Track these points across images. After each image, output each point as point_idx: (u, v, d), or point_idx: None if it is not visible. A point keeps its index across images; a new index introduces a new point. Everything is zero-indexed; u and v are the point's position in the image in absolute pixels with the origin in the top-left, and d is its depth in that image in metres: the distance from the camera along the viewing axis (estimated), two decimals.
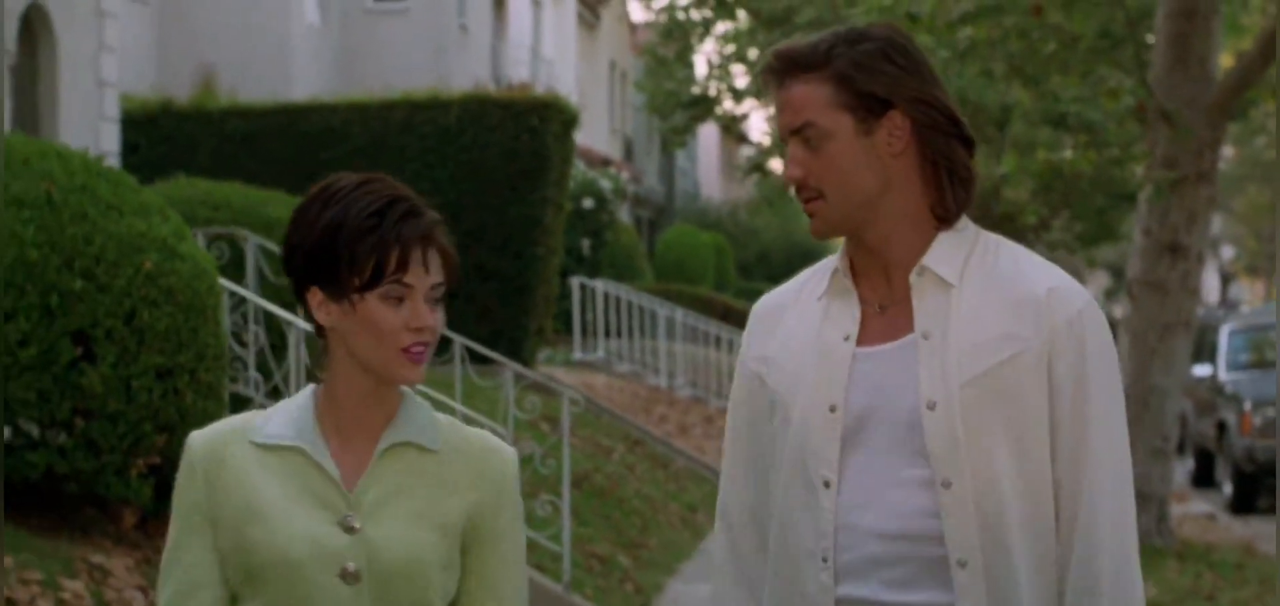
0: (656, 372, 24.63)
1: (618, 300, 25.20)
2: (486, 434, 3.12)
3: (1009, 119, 27.02)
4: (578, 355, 24.40)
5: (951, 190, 3.19)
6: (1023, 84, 18.36)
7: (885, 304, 3.22)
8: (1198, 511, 19.62)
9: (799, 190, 3.20)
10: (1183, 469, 23.34)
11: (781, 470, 3.28)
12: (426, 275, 2.96)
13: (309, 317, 3.02)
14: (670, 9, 33.45)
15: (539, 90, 36.39)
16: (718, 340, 25.24)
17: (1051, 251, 37.33)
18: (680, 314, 25.57)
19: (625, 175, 40.14)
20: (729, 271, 41.20)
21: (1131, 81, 15.92)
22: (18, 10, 17.54)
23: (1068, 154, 18.24)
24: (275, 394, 10.72)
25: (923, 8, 14.66)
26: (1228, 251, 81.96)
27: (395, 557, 2.96)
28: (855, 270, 3.26)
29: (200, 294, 8.44)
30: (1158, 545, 14.54)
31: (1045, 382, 3.14)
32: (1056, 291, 3.18)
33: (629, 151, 52.36)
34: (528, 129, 20.32)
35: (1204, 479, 22.74)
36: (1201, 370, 22.77)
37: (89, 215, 8.17)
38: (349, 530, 2.95)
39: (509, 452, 3.12)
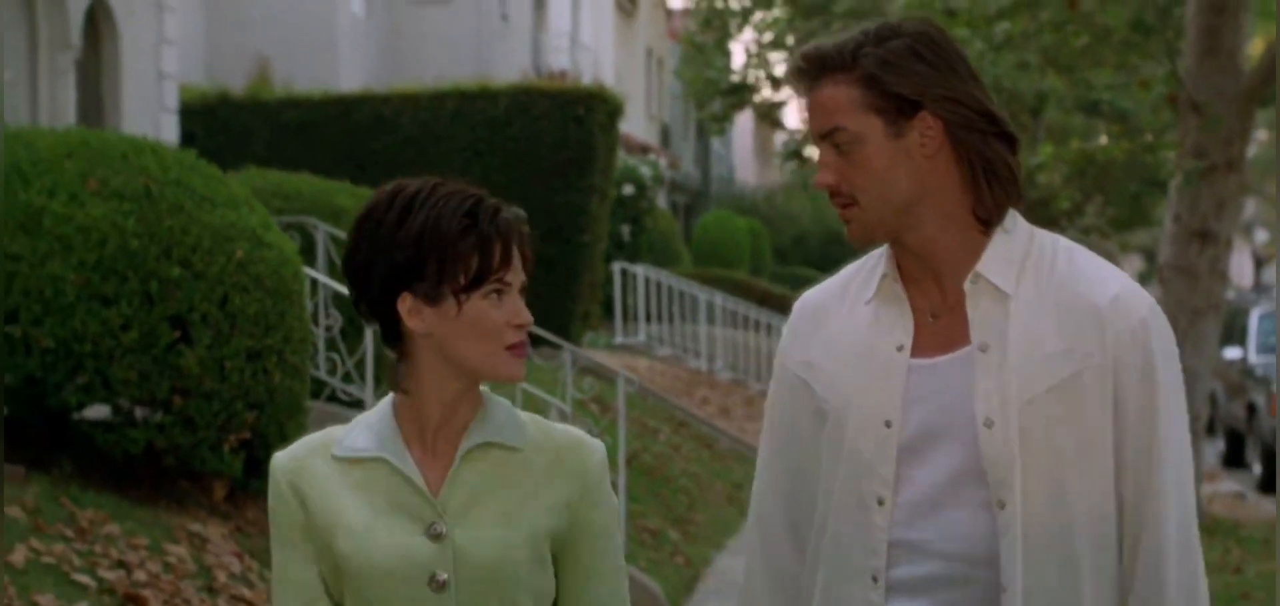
0: (697, 356, 25.13)
1: (658, 285, 25.71)
2: (573, 429, 3.08)
3: (1044, 107, 27.48)
4: (619, 339, 24.91)
5: (991, 191, 3.06)
6: (1057, 73, 18.85)
7: (938, 312, 3.11)
8: (1227, 490, 20.07)
9: (832, 196, 3.10)
10: (1214, 449, 23.81)
11: (833, 483, 3.16)
12: (520, 272, 2.94)
13: (387, 330, 2.95)
14: (709, 1, 33.98)
15: (579, 78, 37.01)
16: (757, 324, 25.73)
17: (1084, 236, 37.75)
18: (719, 298, 26.04)
19: (663, 161, 40.67)
20: (765, 256, 41.64)
21: (1163, 72, 16.41)
22: (83, 5, 18.12)
23: (1102, 140, 18.69)
24: (348, 378, 11.30)
25: (960, 2, 15.18)
26: (1262, 235, 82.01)
27: (483, 561, 2.93)
28: (903, 275, 3.14)
29: (286, 280, 9.02)
30: None
31: (1109, 397, 3.01)
32: (1120, 300, 3.05)
33: (666, 137, 52.83)
34: (574, 118, 20.87)
35: (1235, 459, 23.17)
36: (1232, 353, 23.23)
37: (185, 207, 8.74)
38: (436, 537, 2.93)
39: (596, 446, 3.06)
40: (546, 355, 13.78)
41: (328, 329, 11.09)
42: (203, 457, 8.76)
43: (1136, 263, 71.25)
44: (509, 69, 33.84)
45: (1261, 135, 59.84)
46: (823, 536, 3.17)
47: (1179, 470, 3.03)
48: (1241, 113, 15.20)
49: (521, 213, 2.98)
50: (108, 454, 8.73)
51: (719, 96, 35.64)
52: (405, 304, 2.90)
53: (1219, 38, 15.02)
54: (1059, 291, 3.05)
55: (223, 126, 21.42)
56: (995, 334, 3.02)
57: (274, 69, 28.30)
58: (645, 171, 32.33)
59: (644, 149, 40.10)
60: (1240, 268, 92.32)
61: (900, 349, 3.10)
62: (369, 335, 10.91)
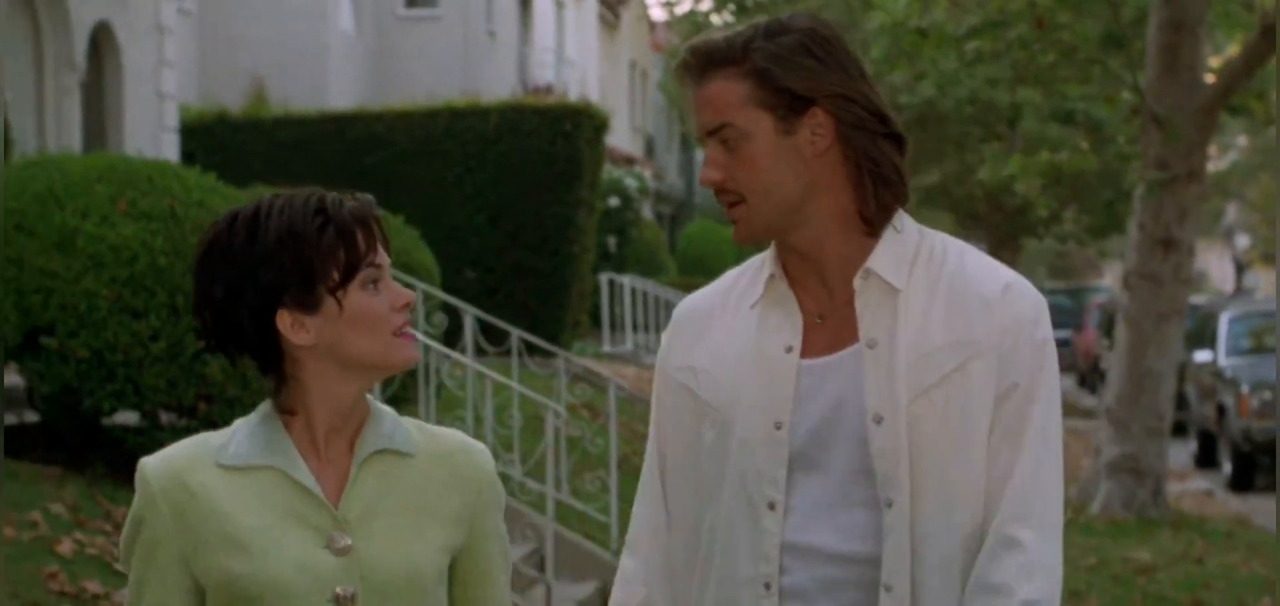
0: None
1: (644, 294, 26.38)
2: (459, 433, 2.96)
3: (1019, 117, 28.17)
4: (607, 347, 25.55)
5: (875, 192, 2.99)
6: (1030, 85, 19.56)
7: (825, 312, 3.03)
8: (1197, 488, 20.75)
9: (719, 193, 3.02)
10: (1187, 450, 24.47)
11: (721, 491, 3.06)
12: (385, 253, 2.83)
13: (262, 356, 2.82)
14: (692, 16, 34.67)
15: (565, 92, 37.69)
16: None
17: (1063, 243, 38.52)
18: None
19: (648, 173, 41.34)
20: None
21: (1126, 87, 17.13)
22: (88, 28, 18.76)
23: (1065, 155, 19.41)
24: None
25: (931, 21, 15.88)
26: (1242, 240, 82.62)
27: (393, 575, 2.80)
28: (789, 276, 3.06)
29: None
30: (1153, 516, 15.76)
31: (994, 379, 2.97)
32: (1012, 288, 3.01)
33: (650, 149, 53.51)
34: (562, 134, 21.54)
35: (1207, 459, 23.78)
36: (1202, 356, 23.91)
37: (207, 226, 9.38)
38: (338, 551, 2.77)
39: (483, 450, 2.96)
40: (540, 362, 14.46)
41: None
42: None
43: (1118, 270, 71.97)
44: (496, 84, 34.52)
45: (1242, 141, 60.68)
46: (713, 543, 3.07)
47: (1046, 467, 2.96)
48: (1201, 125, 15.89)
49: (370, 197, 2.84)
50: (137, 455, 9.36)
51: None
52: (285, 320, 2.76)
53: (1179, 55, 15.71)
54: (950, 286, 2.99)
55: (221, 145, 22.04)
56: (884, 330, 2.97)
57: (266, 87, 28.94)
58: (631, 183, 33.00)
59: (629, 160, 40.76)
60: (1222, 273, 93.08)
61: (789, 350, 3.02)
62: None
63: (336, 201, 2.79)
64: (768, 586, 3.01)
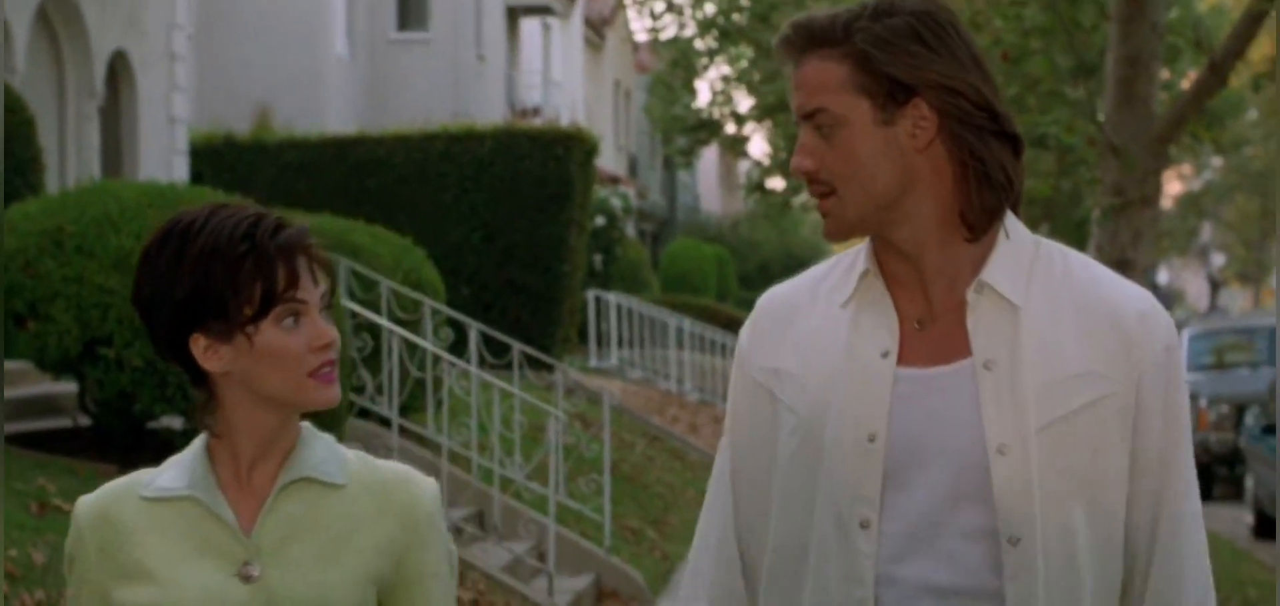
0: (667, 378, 26.75)
1: (629, 311, 27.39)
2: (403, 466, 2.85)
3: None
4: (593, 362, 26.52)
5: (981, 194, 2.74)
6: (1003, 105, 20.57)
7: (925, 320, 2.79)
8: None
9: (810, 183, 2.81)
10: None
11: (810, 507, 2.83)
12: (315, 286, 2.72)
13: (189, 372, 2.75)
14: (676, 41, 35.71)
15: (553, 113, 38.75)
16: (723, 348, 27.41)
17: None
18: (687, 324, 27.66)
19: (631, 192, 42.35)
20: (731, 282, 43.31)
21: (1085, 117, 18.24)
22: (106, 57, 19.78)
23: (1029, 181, 20.53)
24: (379, 389, 13.00)
25: None
26: (1218, 259, 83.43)
27: (298, 603, 2.73)
28: (886, 275, 2.82)
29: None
30: None
31: (1129, 425, 2.76)
32: (1148, 318, 2.78)
33: (633, 167, 54.52)
34: (554, 158, 22.59)
35: None
36: None
37: None
38: (247, 579, 2.72)
39: (426, 484, 2.83)
40: (536, 375, 15.54)
41: (358, 350, 12.73)
42: None
43: None
44: (485, 105, 35.61)
45: (1217, 162, 61.68)
46: (803, 564, 2.85)
47: (1193, 497, 2.81)
48: (1154, 154, 16.97)
49: (305, 226, 2.74)
50: None
51: (685, 133, 37.41)
52: (198, 345, 2.70)
53: (1134, 87, 16.78)
54: (1077, 305, 2.77)
55: (228, 168, 22.97)
56: (1002, 350, 2.73)
57: (265, 110, 29.94)
58: (616, 203, 34.00)
59: (613, 179, 41.76)
60: (1197, 291, 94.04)
61: (886, 355, 2.78)
62: (393, 358, 12.64)
63: (269, 229, 2.69)
64: None
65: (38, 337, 10.15)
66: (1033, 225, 32.75)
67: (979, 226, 2.76)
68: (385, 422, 12.90)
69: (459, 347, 14.76)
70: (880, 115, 2.73)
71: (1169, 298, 72.91)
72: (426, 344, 12.92)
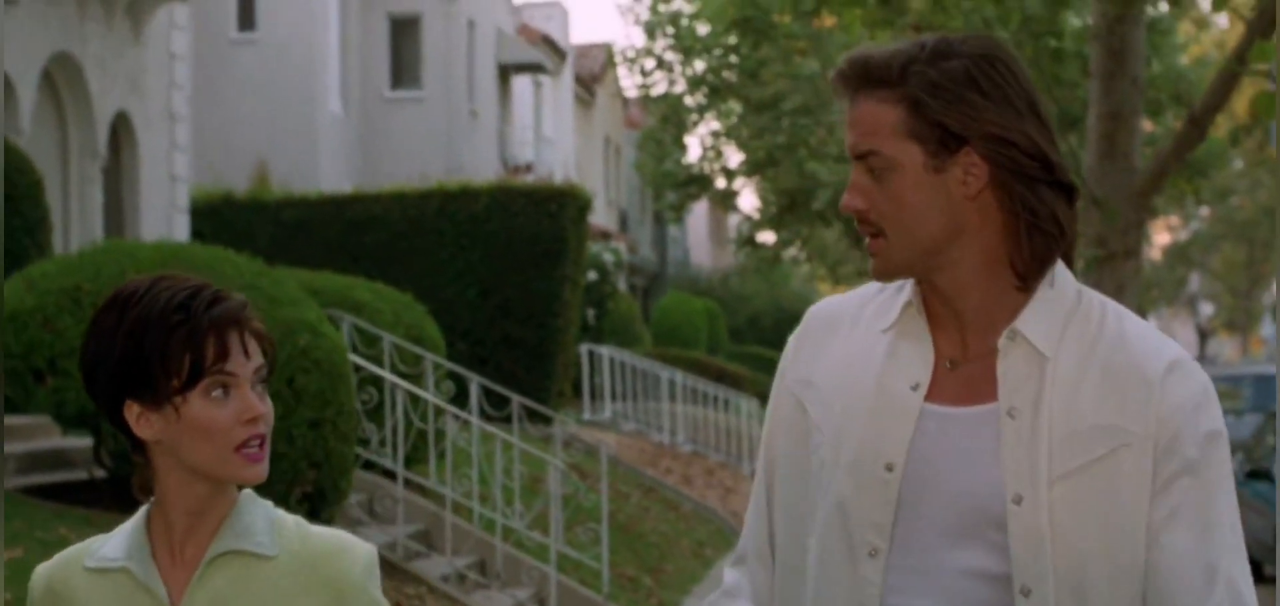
0: (660, 430, 26.99)
1: (622, 365, 27.69)
2: (340, 534, 2.85)
3: None
4: (587, 415, 26.79)
5: (1032, 243, 2.71)
6: None
7: (958, 361, 2.78)
8: None
9: (860, 223, 2.79)
10: None
11: (818, 522, 2.83)
12: (247, 360, 2.72)
13: (128, 438, 2.75)
14: (666, 98, 36.11)
15: (547, 169, 39.14)
16: (715, 400, 27.69)
17: None
18: (679, 376, 27.91)
19: (622, 246, 42.71)
20: (721, 336, 43.56)
21: (1070, 170, 18.66)
22: (108, 118, 20.16)
23: None
24: (382, 444, 13.35)
25: None
26: (1206, 309, 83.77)
27: None
28: (928, 310, 2.82)
29: (337, 364, 11.10)
30: None
31: (1147, 477, 2.70)
32: (1176, 369, 2.72)
33: (624, 222, 54.90)
34: (548, 214, 23.00)
35: None
36: None
37: (259, 305, 10.71)
38: None
39: (361, 550, 2.82)
40: (536, 428, 15.89)
41: (364, 403, 13.08)
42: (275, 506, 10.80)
43: None
44: (478, 161, 36.02)
45: (1204, 212, 62.08)
46: (809, 581, 2.86)
47: (1237, 563, 2.72)
48: (1137, 207, 17.39)
49: (242, 298, 2.77)
50: None
51: (675, 188, 37.82)
52: (132, 412, 2.71)
53: (1116, 141, 17.20)
54: (1104, 357, 2.73)
55: (227, 225, 23.34)
56: (1026, 399, 2.71)
57: (263, 167, 30.32)
58: (608, 258, 34.33)
59: (604, 234, 42.10)
60: (1186, 339, 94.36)
61: (915, 388, 2.77)
62: (398, 409, 12.99)
63: (205, 302, 2.70)
64: None
65: (56, 392, 10.50)
66: None
67: (1029, 274, 2.74)
68: (389, 475, 13.25)
69: (458, 401, 15.09)
70: (931, 162, 2.71)
71: None
72: (429, 396, 13.26)
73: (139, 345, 2.67)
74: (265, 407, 2.73)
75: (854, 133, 2.75)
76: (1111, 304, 2.81)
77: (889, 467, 2.74)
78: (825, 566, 2.81)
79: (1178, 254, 70.23)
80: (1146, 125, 24.94)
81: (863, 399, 2.79)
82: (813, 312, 2.96)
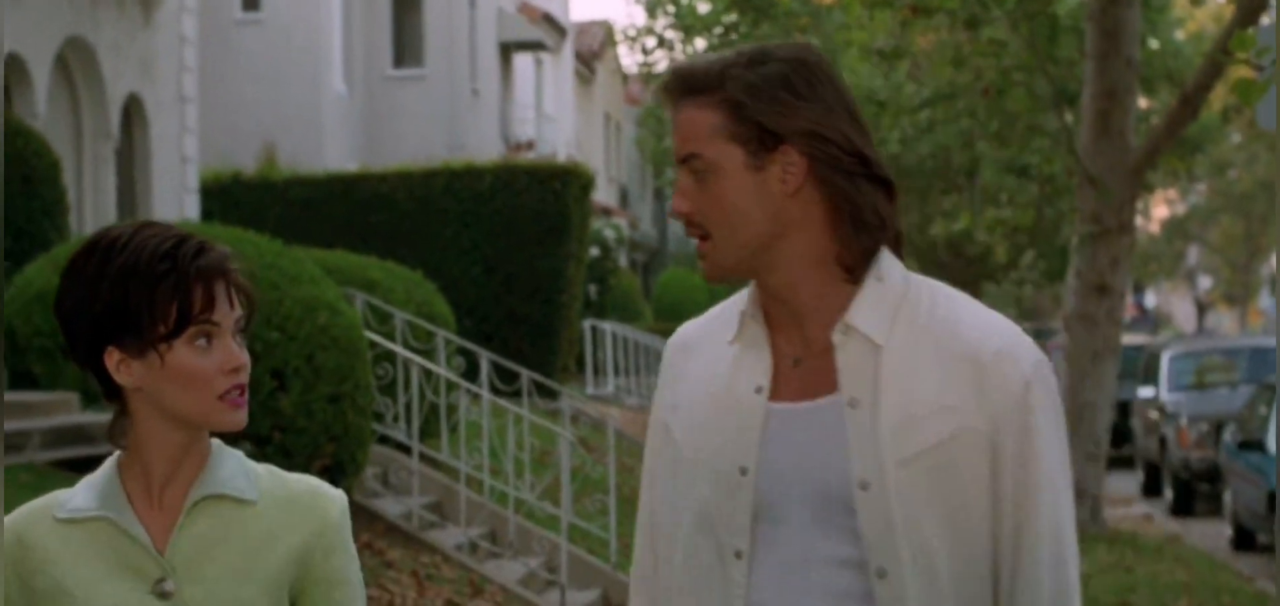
0: None
1: (624, 340, 28.03)
2: (312, 479, 2.90)
3: (977, 169, 29.96)
4: (591, 390, 27.10)
5: (857, 236, 2.81)
6: (985, 143, 21.45)
7: (801, 357, 2.85)
8: (1138, 512, 22.50)
9: (687, 226, 2.87)
10: (1134, 479, 26.25)
11: (684, 535, 2.92)
12: (232, 310, 2.74)
13: (103, 385, 2.77)
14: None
15: (550, 147, 39.45)
16: None
17: (1019, 287, 40.32)
18: None
19: (623, 222, 43.04)
20: None
21: (1064, 148, 19.04)
22: (120, 101, 20.50)
23: (1010, 212, 21.34)
24: (395, 417, 13.71)
25: (890, 94, 17.74)
26: (1205, 282, 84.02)
27: None
28: (767, 316, 2.89)
29: (355, 341, 11.45)
30: (1092, 533, 17.60)
31: (987, 458, 2.78)
32: (1004, 355, 2.81)
33: (624, 198, 55.22)
34: (552, 192, 23.32)
35: (1152, 488, 25.47)
36: (1146, 392, 25.65)
37: (279, 285, 11.17)
38: (164, 595, 2.75)
39: (335, 495, 2.87)
40: (542, 403, 16.24)
41: (378, 379, 13.44)
42: None
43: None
44: (480, 139, 36.33)
45: (1202, 186, 62.38)
46: (684, 592, 2.94)
47: (1058, 542, 2.82)
48: (1130, 184, 17.76)
49: (227, 250, 2.77)
50: None
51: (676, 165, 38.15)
52: (112, 359, 2.72)
53: (1110, 120, 17.56)
54: (936, 342, 2.81)
55: (236, 205, 23.63)
56: (866, 388, 2.79)
57: (271, 147, 30.64)
58: (609, 234, 34.65)
59: (606, 211, 42.43)
60: (1185, 313, 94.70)
61: (758, 391, 2.86)
62: (413, 387, 13.37)
63: (191, 251, 2.72)
64: None
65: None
66: (1018, 251, 33.57)
67: (855, 267, 2.83)
68: (402, 448, 13.61)
69: (468, 376, 15.43)
70: (751, 161, 2.78)
71: (1156, 320, 73.62)
72: (442, 371, 13.62)
73: (124, 292, 2.68)
74: (245, 357, 2.75)
75: (678, 138, 2.84)
76: (942, 288, 2.90)
77: (743, 471, 2.83)
78: (694, 575, 2.90)
79: (1176, 227, 70.53)
80: (1142, 102, 25.31)
81: (714, 409, 2.88)
82: (671, 343, 3.06)
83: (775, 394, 2.84)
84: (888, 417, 2.76)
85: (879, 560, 2.76)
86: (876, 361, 2.79)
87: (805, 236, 2.81)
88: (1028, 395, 2.78)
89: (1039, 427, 2.79)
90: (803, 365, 2.84)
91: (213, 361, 2.70)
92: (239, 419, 2.75)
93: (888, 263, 2.85)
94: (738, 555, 2.83)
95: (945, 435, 2.75)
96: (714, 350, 2.94)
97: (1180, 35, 29.99)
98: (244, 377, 2.74)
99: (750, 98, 2.77)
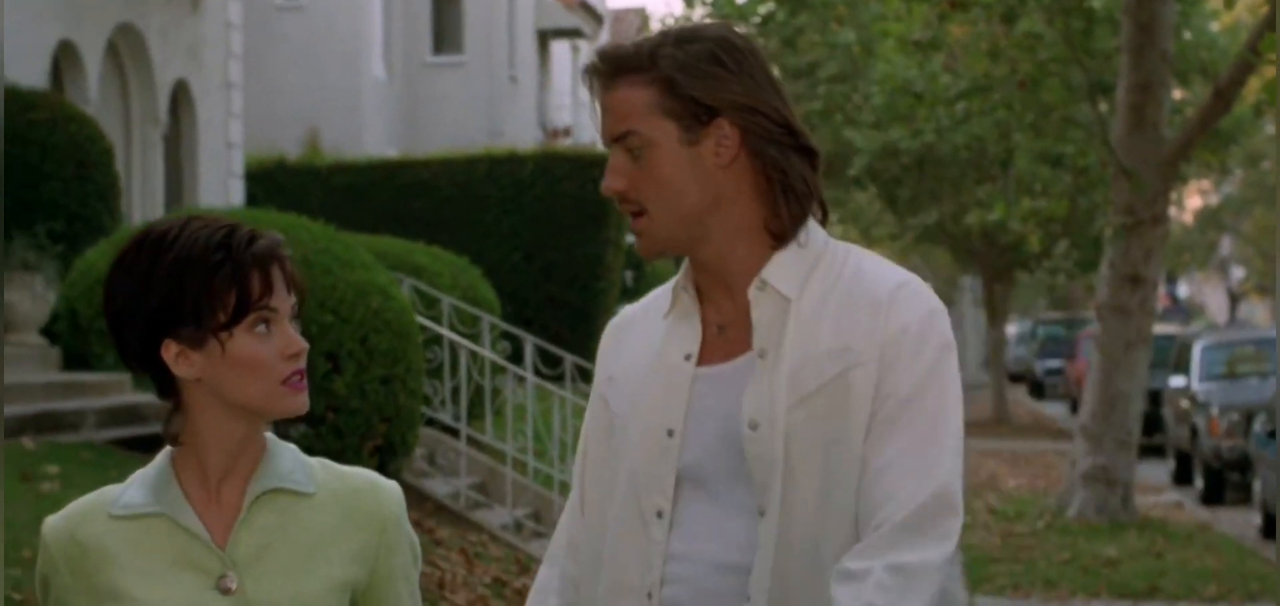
0: None
1: None
2: (367, 472, 2.89)
3: (1011, 159, 30.14)
4: None
5: (786, 205, 2.90)
6: (1021, 132, 21.69)
7: (726, 323, 2.95)
8: (1169, 500, 22.70)
9: (622, 203, 2.94)
10: (1165, 468, 26.44)
11: (614, 500, 3.00)
12: (288, 295, 2.74)
13: (156, 380, 2.75)
14: None
15: (580, 132, 39.69)
16: None
17: (1052, 277, 40.49)
18: None
19: None
20: None
21: (1098, 140, 19.30)
22: (169, 87, 20.86)
23: (1044, 203, 21.60)
24: (442, 401, 14.04)
25: (926, 85, 18.01)
26: (1237, 272, 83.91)
27: None
28: (699, 289, 2.98)
29: (407, 325, 11.79)
30: (1123, 520, 17.87)
31: (873, 384, 2.85)
32: (903, 289, 2.90)
33: None
34: (592, 180, 23.51)
35: (1183, 477, 25.59)
36: (1177, 381, 25.83)
37: (333, 269, 11.50)
38: (226, 592, 2.72)
39: (392, 488, 2.88)
40: (585, 387, 16.54)
41: (428, 361, 13.78)
42: (348, 460, 11.48)
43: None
44: (517, 125, 36.64)
45: (1236, 177, 62.41)
46: (604, 558, 3.01)
47: (953, 473, 2.84)
48: (1164, 176, 18.01)
49: (278, 236, 2.76)
50: None
51: None
52: (170, 351, 2.69)
53: (1144, 113, 17.80)
54: (844, 293, 2.90)
55: (280, 189, 23.90)
56: (774, 339, 2.88)
57: (314, 133, 30.96)
58: None
59: None
60: (1216, 304, 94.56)
61: (687, 358, 2.95)
62: (461, 368, 13.70)
63: (243, 239, 2.70)
64: (649, 596, 2.93)
65: None
66: (1051, 241, 33.74)
67: (784, 235, 2.92)
68: (447, 430, 13.95)
69: (511, 360, 15.75)
70: (686, 136, 2.86)
71: (1188, 311, 73.61)
72: (490, 355, 13.95)
73: (180, 283, 2.66)
74: (303, 342, 2.74)
75: (610, 118, 2.92)
76: (857, 250, 2.98)
77: (670, 433, 2.92)
78: (619, 536, 2.97)
79: (1209, 218, 70.49)
80: (1177, 93, 25.50)
81: (646, 378, 2.97)
82: (611, 324, 3.17)
83: (703, 359, 2.94)
84: (787, 363, 2.85)
85: (760, 499, 2.84)
86: (786, 313, 2.88)
87: (737, 207, 2.90)
88: (923, 331, 2.86)
89: (929, 369, 2.85)
90: (728, 330, 2.93)
91: (273, 347, 2.69)
92: (301, 402, 2.74)
93: (813, 229, 2.95)
94: (659, 514, 2.92)
95: (838, 372, 2.83)
96: (650, 325, 3.04)
97: (1215, 27, 30.15)
98: (303, 362, 2.73)
99: (682, 74, 2.85)
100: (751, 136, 2.86)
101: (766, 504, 2.84)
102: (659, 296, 3.07)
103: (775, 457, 2.83)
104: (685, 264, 2.99)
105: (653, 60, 2.88)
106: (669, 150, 2.86)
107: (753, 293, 2.90)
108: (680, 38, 2.89)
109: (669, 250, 2.93)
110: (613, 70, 2.92)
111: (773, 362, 2.86)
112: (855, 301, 2.88)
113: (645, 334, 3.04)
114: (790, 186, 2.89)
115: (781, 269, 2.90)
